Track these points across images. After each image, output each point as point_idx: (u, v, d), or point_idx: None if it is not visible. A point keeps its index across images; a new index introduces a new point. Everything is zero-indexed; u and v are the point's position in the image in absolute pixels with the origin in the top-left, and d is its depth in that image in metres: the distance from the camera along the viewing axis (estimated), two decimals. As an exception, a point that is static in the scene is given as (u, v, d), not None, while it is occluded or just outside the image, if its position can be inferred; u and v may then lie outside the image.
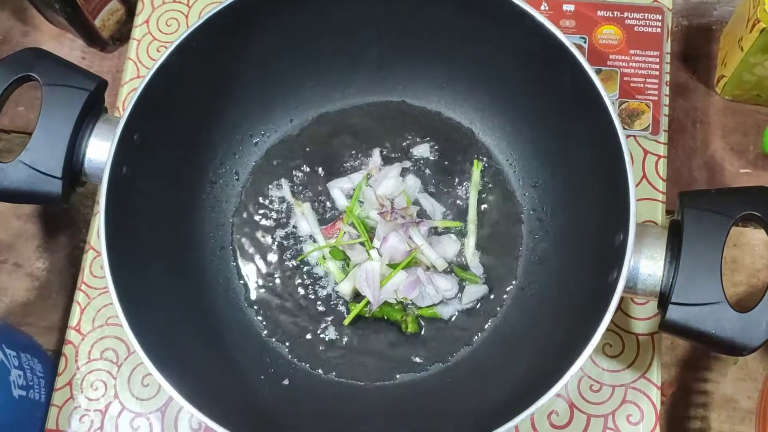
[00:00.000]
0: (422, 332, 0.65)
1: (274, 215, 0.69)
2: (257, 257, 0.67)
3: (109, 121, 0.61)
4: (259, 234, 0.68)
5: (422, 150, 0.69)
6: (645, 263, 0.54)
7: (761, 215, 0.53)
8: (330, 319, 0.65)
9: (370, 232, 0.65)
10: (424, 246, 0.64)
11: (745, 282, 0.69)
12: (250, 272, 0.67)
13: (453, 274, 0.65)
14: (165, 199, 0.64)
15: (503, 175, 0.68)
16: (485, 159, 0.69)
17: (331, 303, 0.66)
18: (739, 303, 0.68)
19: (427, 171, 0.69)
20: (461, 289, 0.65)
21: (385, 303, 0.64)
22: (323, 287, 0.66)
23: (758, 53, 0.65)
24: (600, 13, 0.73)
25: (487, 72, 0.67)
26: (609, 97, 0.56)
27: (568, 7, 0.73)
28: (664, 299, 0.54)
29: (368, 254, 0.64)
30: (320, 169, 0.70)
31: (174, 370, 0.54)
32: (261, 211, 0.69)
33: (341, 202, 0.68)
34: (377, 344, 0.65)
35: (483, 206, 0.68)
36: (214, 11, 0.60)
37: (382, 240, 0.64)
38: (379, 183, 0.67)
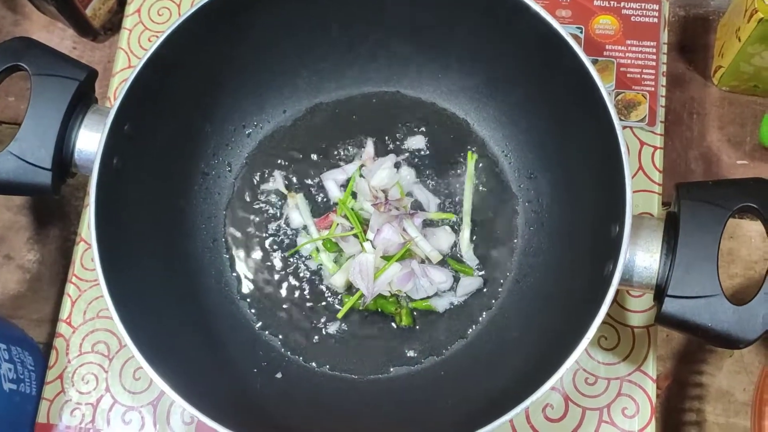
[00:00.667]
0: (416, 325, 0.64)
1: (267, 207, 0.68)
2: (250, 249, 0.67)
3: (99, 111, 0.60)
4: (251, 226, 0.68)
5: (417, 141, 0.69)
6: (641, 255, 0.54)
7: (758, 207, 0.53)
8: (323, 311, 0.65)
9: (364, 224, 0.65)
10: (419, 238, 0.64)
11: (741, 274, 0.69)
12: (243, 265, 0.67)
13: (448, 267, 0.65)
14: (156, 190, 0.63)
15: (499, 167, 0.68)
16: (480, 150, 0.68)
17: (325, 295, 0.66)
18: (735, 295, 0.67)
19: (422, 162, 0.68)
20: (456, 281, 0.65)
21: (379, 295, 0.63)
22: (316, 280, 0.66)
23: (756, 43, 0.65)
24: (596, 2, 0.72)
25: (482, 62, 0.66)
26: (605, 88, 0.55)
27: (565, -3, 0.72)
28: (660, 292, 0.53)
29: (362, 246, 0.63)
30: (314, 160, 0.69)
31: (166, 363, 0.53)
32: (254, 203, 0.68)
33: (335, 193, 0.67)
34: (371, 337, 0.64)
35: (478, 198, 0.67)
36: (207, 0, 0.60)
37: (375, 232, 0.63)
38: (373, 174, 0.66)
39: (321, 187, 0.68)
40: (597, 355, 0.63)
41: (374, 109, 0.70)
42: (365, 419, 0.61)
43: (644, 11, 0.71)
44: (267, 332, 0.65)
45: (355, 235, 0.64)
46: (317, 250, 0.66)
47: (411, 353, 0.64)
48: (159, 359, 0.53)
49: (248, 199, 0.68)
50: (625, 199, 0.53)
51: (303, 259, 0.66)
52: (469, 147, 0.68)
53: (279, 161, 0.69)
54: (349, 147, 0.69)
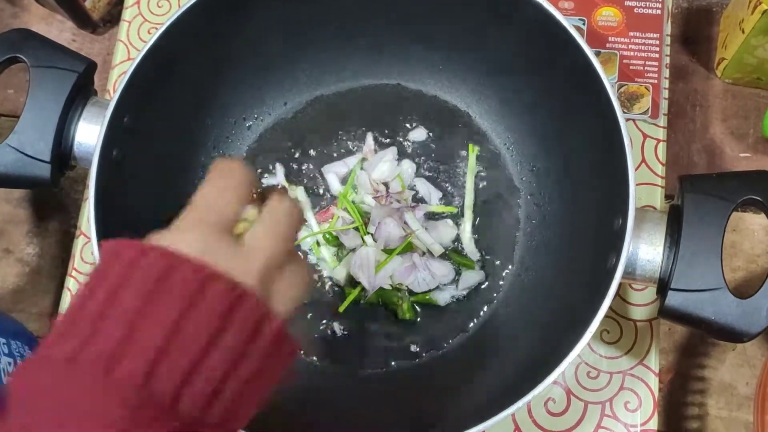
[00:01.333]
0: (417, 319, 0.64)
1: (268, 200, 0.68)
2: (250, 243, 0.66)
3: (98, 103, 0.60)
4: (252, 219, 0.67)
5: (418, 134, 0.69)
6: (644, 248, 0.53)
7: (762, 200, 0.53)
8: (324, 305, 0.65)
9: (365, 216, 0.64)
10: (420, 231, 0.64)
11: (744, 267, 0.68)
12: (244, 258, 0.66)
13: (449, 260, 0.65)
14: (156, 183, 0.63)
15: (500, 160, 0.68)
16: (482, 143, 0.68)
17: (325, 289, 0.65)
18: (737, 289, 0.67)
19: (423, 155, 0.68)
20: (457, 274, 0.64)
21: (381, 288, 0.63)
22: (317, 273, 0.65)
23: (759, 35, 0.64)
24: (599, -6, 0.71)
25: (484, 54, 0.66)
26: (608, 80, 0.55)
27: (567, -11, 0.72)
28: (663, 285, 0.53)
29: (362, 240, 0.63)
30: (314, 153, 0.69)
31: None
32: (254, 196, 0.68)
33: (335, 186, 0.67)
34: (371, 331, 0.64)
35: (480, 191, 0.67)
36: (206, -9, 0.59)
37: (376, 225, 0.63)
38: (374, 167, 0.66)
39: (322, 180, 0.68)
40: (599, 348, 0.63)
41: (375, 101, 0.70)
42: (365, 413, 0.61)
43: (647, 3, 0.71)
44: (267, 326, 0.64)
45: (356, 229, 0.64)
46: (317, 243, 0.65)
47: (412, 347, 0.63)
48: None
49: (248, 193, 0.68)
50: (629, 191, 0.52)
51: (304, 253, 0.66)
52: (470, 140, 0.68)
53: (279, 154, 0.69)
54: (350, 140, 0.69)
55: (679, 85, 0.73)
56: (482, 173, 0.67)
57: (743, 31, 0.66)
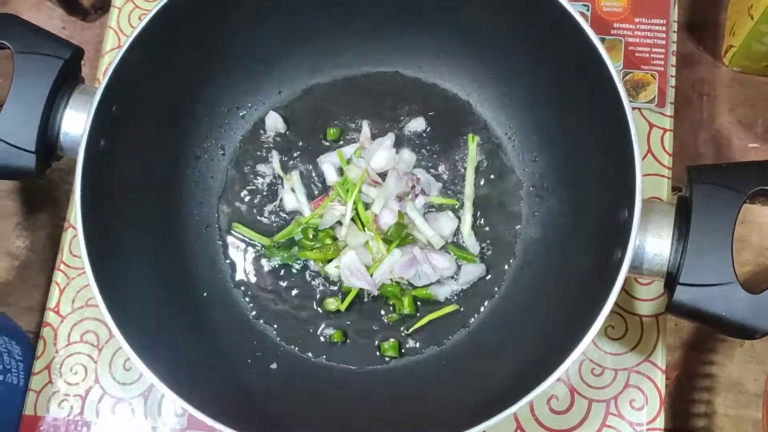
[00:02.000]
0: (417, 314, 0.63)
1: (262, 192, 0.66)
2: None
3: (85, 91, 0.59)
4: (246, 211, 0.66)
5: (417, 123, 0.67)
6: (651, 241, 0.52)
7: (775, 191, 0.51)
8: (321, 300, 0.64)
9: (361, 203, 0.63)
10: (420, 221, 0.62)
11: (753, 261, 0.67)
12: (237, 251, 0.65)
13: (450, 253, 0.63)
14: (146, 174, 0.62)
15: (502, 150, 0.66)
16: (483, 132, 0.66)
17: (322, 284, 0.64)
18: (746, 283, 0.65)
19: (423, 145, 0.67)
20: (458, 268, 0.63)
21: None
22: (314, 268, 0.64)
23: (769, 21, 0.63)
24: (603, -21, 0.70)
25: (484, 41, 0.65)
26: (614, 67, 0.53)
27: (570, -26, 0.70)
28: (671, 279, 0.52)
29: (359, 226, 0.62)
30: (310, 142, 0.67)
31: (157, 354, 0.52)
32: (248, 188, 0.66)
33: (331, 176, 0.65)
34: (369, 326, 0.63)
35: (481, 182, 0.66)
36: (198, -25, 0.58)
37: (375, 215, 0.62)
38: (372, 155, 0.64)
39: (317, 170, 0.66)
40: (604, 345, 0.62)
41: (372, 89, 0.68)
42: (363, 411, 0.59)
43: (653, -12, 0.69)
44: (261, 321, 0.63)
45: (353, 221, 0.62)
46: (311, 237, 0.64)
47: (411, 342, 0.62)
48: (149, 351, 0.52)
49: (242, 184, 0.67)
50: (635, 182, 0.51)
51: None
52: (471, 129, 0.67)
53: (274, 144, 0.67)
54: (347, 129, 0.67)
55: (685, 74, 0.72)
56: (483, 163, 0.66)
57: (752, 18, 0.65)
